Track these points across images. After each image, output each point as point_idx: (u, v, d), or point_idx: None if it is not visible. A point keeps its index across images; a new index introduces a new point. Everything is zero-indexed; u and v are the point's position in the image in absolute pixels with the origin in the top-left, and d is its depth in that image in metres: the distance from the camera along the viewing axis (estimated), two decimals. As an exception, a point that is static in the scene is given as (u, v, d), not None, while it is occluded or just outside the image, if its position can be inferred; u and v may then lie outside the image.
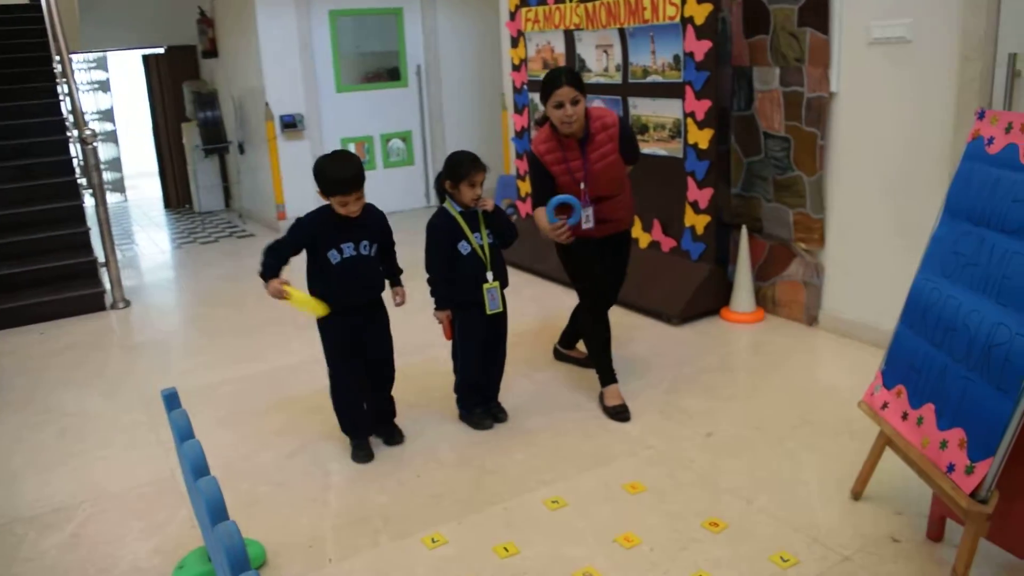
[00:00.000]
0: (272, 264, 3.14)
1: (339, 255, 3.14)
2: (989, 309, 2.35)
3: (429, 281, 3.40)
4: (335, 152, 3.23)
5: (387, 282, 3.37)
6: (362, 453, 3.33)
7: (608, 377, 3.67)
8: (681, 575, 2.49)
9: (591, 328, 3.72)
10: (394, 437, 3.44)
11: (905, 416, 2.63)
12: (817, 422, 3.42)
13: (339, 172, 3.06)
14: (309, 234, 3.14)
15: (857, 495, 2.88)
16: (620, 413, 3.55)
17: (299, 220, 3.19)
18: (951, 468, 2.34)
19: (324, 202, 3.16)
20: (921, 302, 2.70)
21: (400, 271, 3.42)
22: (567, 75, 3.37)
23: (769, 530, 2.71)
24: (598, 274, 3.68)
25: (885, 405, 2.76)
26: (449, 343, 3.50)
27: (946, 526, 2.62)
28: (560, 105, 3.35)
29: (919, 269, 2.76)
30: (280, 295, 3.07)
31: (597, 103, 5.35)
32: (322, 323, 3.23)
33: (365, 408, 3.39)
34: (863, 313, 4.29)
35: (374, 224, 3.23)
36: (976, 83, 3.62)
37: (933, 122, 3.81)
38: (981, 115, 2.63)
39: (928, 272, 2.71)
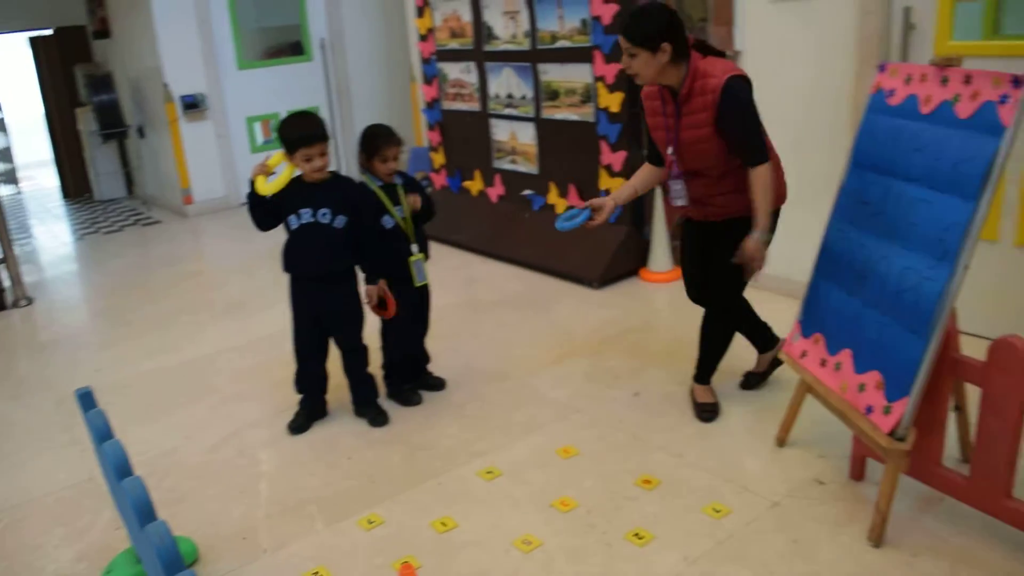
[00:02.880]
0: (253, 212, 3.22)
1: (297, 220, 3.14)
2: (897, 255, 2.43)
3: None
4: (294, 112, 3.25)
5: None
6: (295, 421, 3.37)
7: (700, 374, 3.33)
8: (619, 534, 2.53)
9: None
10: (376, 419, 3.37)
11: (824, 363, 2.72)
12: (739, 374, 3.49)
13: (301, 124, 3.11)
14: (276, 195, 3.14)
15: (782, 442, 2.97)
16: (706, 411, 3.25)
17: None
18: (870, 410, 2.43)
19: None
20: (833, 251, 2.77)
21: (376, 272, 3.28)
22: (624, 22, 2.83)
23: (701, 483, 2.77)
24: (687, 260, 3.26)
25: (804, 353, 2.84)
26: (370, 321, 3.45)
27: (867, 465, 2.72)
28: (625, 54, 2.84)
29: (829, 220, 2.83)
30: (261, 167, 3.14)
31: (507, 71, 5.32)
32: (290, 283, 3.29)
33: (319, 373, 3.39)
34: (775, 265, 4.35)
35: (340, 194, 3.18)
36: (874, 37, 3.71)
37: (835, 76, 3.90)
38: (882, 68, 2.70)
39: (838, 222, 2.78)
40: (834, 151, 3.93)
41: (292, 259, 3.23)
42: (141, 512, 1.68)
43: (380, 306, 3.36)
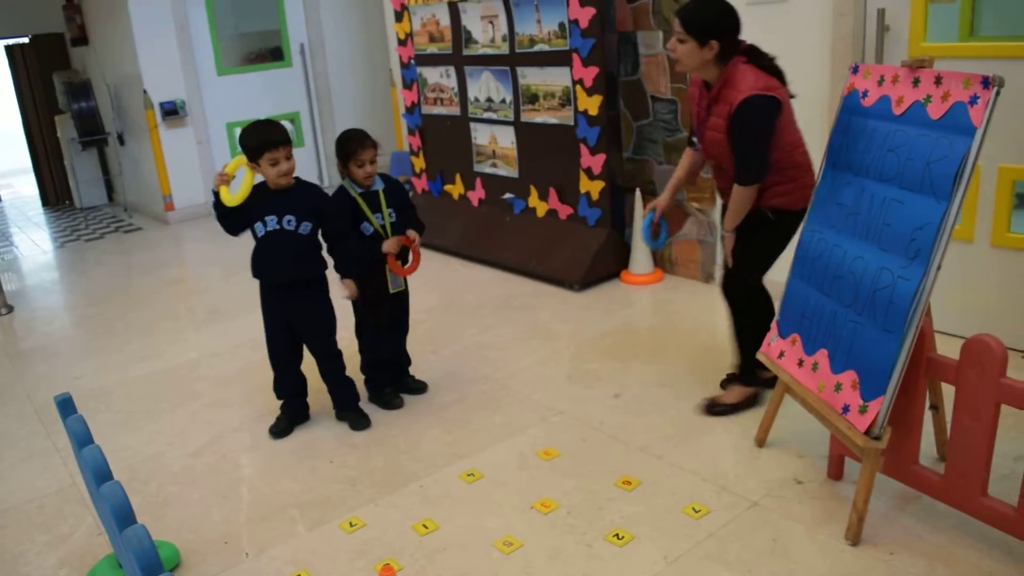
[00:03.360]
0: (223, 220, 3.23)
1: (263, 228, 3.14)
2: (872, 255, 2.46)
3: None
4: (252, 122, 3.22)
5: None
6: (277, 425, 3.38)
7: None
8: (599, 534, 2.55)
9: None
10: (358, 422, 3.36)
11: (801, 363, 2.74)
12: (719, 376, 3.51)
13: (264, 129, 3.11)
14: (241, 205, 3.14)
15: (761, 442, 2.99)
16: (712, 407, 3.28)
17: None
18: (846, 409, 2.46)
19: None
20: (809, 253, 2.80)
21: (349, 265, 3.30)
22: (684, 6, 2.89)
23: (680, 483, 2.79)
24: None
25: (781, 354, 2.87)
26: (345, 325, 3.45)
27: (845, 464, 2.75)
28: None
29: (805, 221, 2.87)
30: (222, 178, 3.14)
31: (486, 75, 5.34)
32: (260, 291, 3.30)
33: (295, 378, 3.40)
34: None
35: (304, 200, 3.18)
36: (849, 38, 3.76)
37: (810, 78, 3.94)
38: (855, 69, 2.74)
39: (814, 223, 2.81)
40: (810, 151, 3.96)
41: (260, 266, 3.22)
42: (120, 516, 1.68)
43: (402, 261, 3.41)
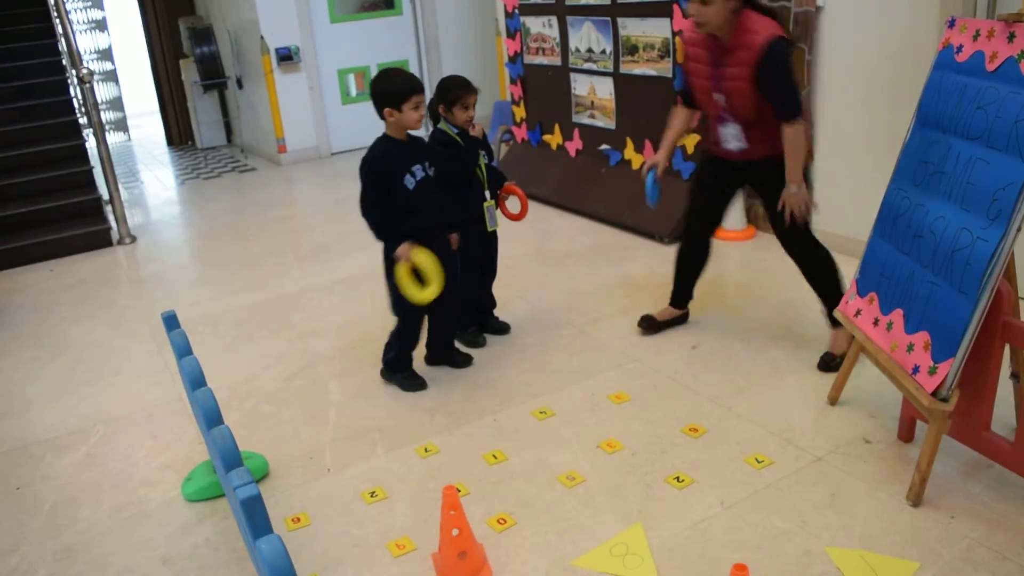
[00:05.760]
0: (386, 223, 3.08)
1: (413, 179, 3.08)
2: (954, 215, 2.42)
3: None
4: (384, 70, 3.15)
5: None
6: (418, 381, 3.35)
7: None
8: (659, 476, 2.63)
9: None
10: (460, 361, 3.47)
11: (876, 322, 2.73)
12: (800, 333, 3.52)
13: (405, 75, 3.10)
14: (384, 166, 3.04)
15: (833, 400, 3.00)
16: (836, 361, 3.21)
17: (366, 161, 3.06)
18: (916, 370, 2.45)
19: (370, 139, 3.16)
20: (892, 211, 2.77)
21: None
22: None
23: (746, 434, 2.84)
24: (695, 202, 3.46)
25: (858, 312, 2.86)
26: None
27: (916, 427, 2.73)
28: None
29: (891, 179, 2.83)
30: (408, 256, 3.01)
31: (587, 25, 5.35)
32: (393, 259, 3.06)
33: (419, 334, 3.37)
34: (851, 227, 4.35)
35: (423, 147, 3.20)
36: (960, -7, 3.62)
37: (918, 33, 3.82)
38: (951, 23, 2.66)
39: (900, 181, 2.77)
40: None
41: (423, 215, 3.12)
42: (209, 418, 1.86)
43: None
